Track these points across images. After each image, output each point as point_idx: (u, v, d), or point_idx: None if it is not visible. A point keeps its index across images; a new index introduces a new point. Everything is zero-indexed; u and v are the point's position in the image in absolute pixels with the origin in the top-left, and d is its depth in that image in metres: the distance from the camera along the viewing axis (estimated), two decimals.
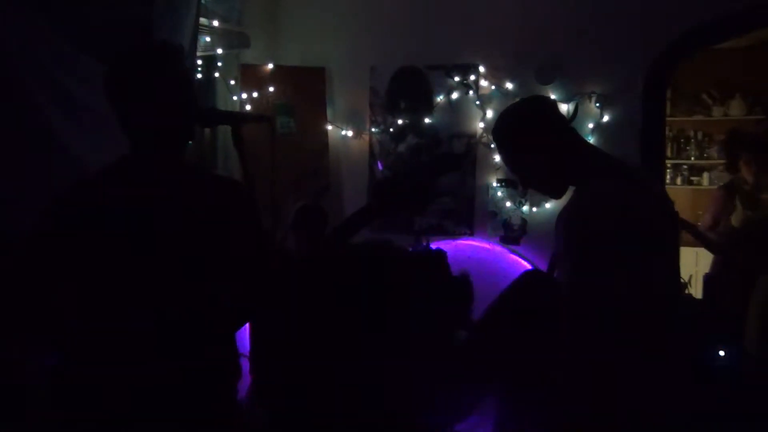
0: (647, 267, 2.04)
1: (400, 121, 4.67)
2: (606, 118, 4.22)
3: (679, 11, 4.06)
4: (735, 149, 4.52)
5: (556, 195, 2.32)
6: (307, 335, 2.10)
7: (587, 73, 4.25)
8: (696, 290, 5.05)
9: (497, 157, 4.41)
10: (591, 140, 4.00)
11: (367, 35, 4.70)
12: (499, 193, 4.47)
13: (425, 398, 2.04)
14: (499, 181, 4.44)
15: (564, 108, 3.91)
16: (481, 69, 4.47)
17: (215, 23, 4.14)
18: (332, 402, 2.00)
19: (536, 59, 4.30)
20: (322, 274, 2.18)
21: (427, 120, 4.61)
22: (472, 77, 4.49)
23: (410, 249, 2.29)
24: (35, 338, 2.02)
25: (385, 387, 1.96)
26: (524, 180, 2.34)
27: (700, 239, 4.44)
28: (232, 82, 4.52)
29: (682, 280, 3.56)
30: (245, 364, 2.83)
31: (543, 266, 2.55)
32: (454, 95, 4.55)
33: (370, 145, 4.75)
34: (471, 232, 4.55)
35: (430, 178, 2.19)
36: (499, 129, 2.31)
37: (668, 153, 6.74)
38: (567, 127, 2.26)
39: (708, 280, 4.32)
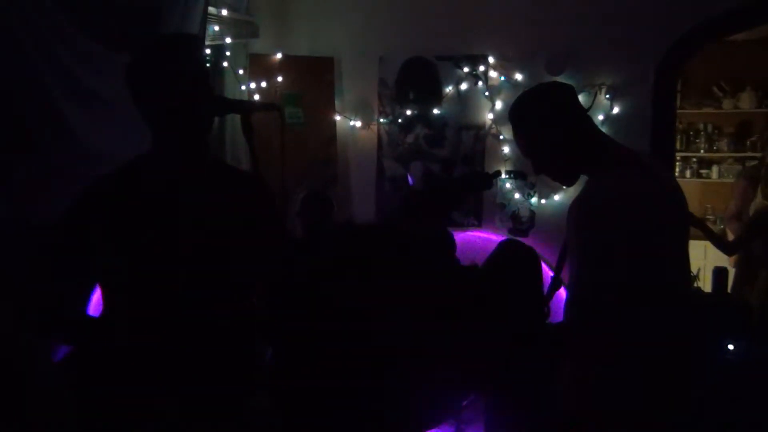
0: (656, 258, 2.03)
1: (408, 112, 4.65)
2: (616, 110, 4.20)
3: (690, 3, 4.04)
4: None
5: (567, 182, 2.32)
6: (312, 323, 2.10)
7: (597, 64, 4.22)
8: (705, 283, 5.03)
9: (506, 149, 4.40)
10: None
11: (376, 25, 4.68)
12: (508, 185, 4.46)
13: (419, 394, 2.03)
14: (507, 172, 4.43)
15: None
16: (491, 60, 4.45)
17: (224, 12, 4.12)
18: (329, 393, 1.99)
19: (546, 50, 4.28)
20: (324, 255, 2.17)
21: (435, 111, 4.59)
22: (482, 68, 4.47)
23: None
24: (47, 328, 2.02)
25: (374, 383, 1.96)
26: (537, 165, 2.33)
27: (712, 238, 4.44)
28: (241, 72, 4.51)
29: (691, 273, 3.56)
30: None
31: (552, 258, 2.54)
32: (463, 86, 4.53)
33: (379, 136, 4.74)
34: (479, 224, 4.54)
35: (459, 197, 2.19)
36: (518, 111, 2.30)
37: (678, 146, 6.71)
38: (584, 115, 2.25)
39: (718, 272, 4.30)
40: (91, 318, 2.04)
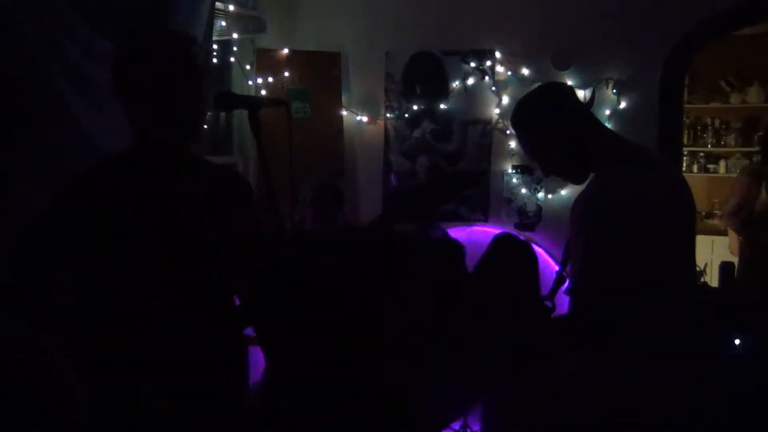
0: (661, 254, 2.03)
1: (415, 107, 4.66)
2: (623, 105, 4.19)
3: None
4: None
5: (577, 181, 2.32)
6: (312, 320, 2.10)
7: (604, 59, 4.22)
8: (711, 278, 5.03)
9: (513, 144, 4.40)
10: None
11: (382, 20, 4.68)
12: (515, 180, 4.46)
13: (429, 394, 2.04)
14: (514, 167, 4.43)
15: (581, 94, 3.89)
16: (498, 55, 4.45)
17: (231, 8, 4.13)
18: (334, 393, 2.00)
19: (553, 45, 4.27)
20: (331, 257, 2.17)
21: (442, 106, 4.59)
22: (488, 63, 4.46)
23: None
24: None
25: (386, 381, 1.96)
26: (545, 167, 2.33)
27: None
28: (248, 67, 4.52)
29: (697, 268, 3.55)
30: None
31: (558, 253, 2.54)
32: (470, 81, 4.53)
33: (385, 131, 4.74)
34: (486, 219, 4.55)
35: (446, 196, 2.20)
36: (519, 116, 2.30)
37: (685, 140, 6.71)
38: (586, 112, 2.24)
39: (725, 267, 4.30)
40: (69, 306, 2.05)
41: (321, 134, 4.67)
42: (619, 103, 4.19)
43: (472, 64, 4.49)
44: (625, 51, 4.18)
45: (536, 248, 4.35)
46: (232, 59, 4.34)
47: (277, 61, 4.61)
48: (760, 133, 6.93)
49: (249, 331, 2.17)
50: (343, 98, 4.77)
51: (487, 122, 4.52)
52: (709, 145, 7.20)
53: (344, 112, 4.76)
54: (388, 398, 1.96)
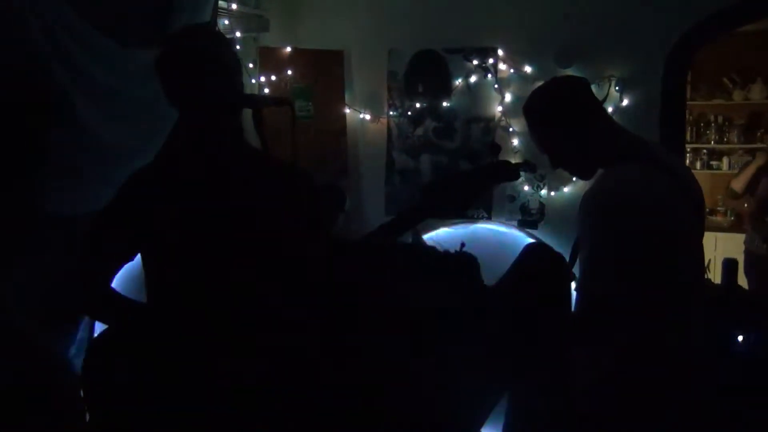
0: (671, 253, 2.03)
1: (418, 105, 4.66)
2: (625, 102, 4.19)
3: None
4: None
5: (585, 176, 2.32)
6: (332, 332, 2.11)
7: (607, 56, 4.21)
8: (715, 274, 5.03)
9: (516, 141, 4.41)
10: None
11: (385, 18, 4.68)
12: None
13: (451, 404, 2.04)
14: (516, 165, 4.43)
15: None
16: (500, 52, 4.45)
17: (234, 6, 4.14)
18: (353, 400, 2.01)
19: (556, 43, 4.27)
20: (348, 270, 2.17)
21: (445, 104, 4.60)
22: (491, 61, 4.46)
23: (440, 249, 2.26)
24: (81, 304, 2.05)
25: (406, 392, 1.97)
26: (554, 160, 2.33)
27: None
28: (251, 65, 4.53)
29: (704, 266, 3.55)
30: None
31: (561, 250, 2.53)
32: (473, 79, 4.53)
33: (388, 129, 4.75)
34: (489, 216, 4.55)
35: (485, 186, 2.18)
36: (532, 106, 2.29)
37: (688, 137, 6.69)
38: (599, 108, 2.24)
39: (728, 264, 4.30)
40: (128, 299, 2.06)
41: (324, 132, 4.68)
42: (621, 101, 4.19)
43: (475, 62, 4.49)
44: (627, 48, 4.18)
45: None
46: None
47: (280, 59, 4.62)
48: (764, 130, 6.96)
49: None
50: (346, 96, 4.77)
51: (490, 120, 4.52)
52: (712, 142, 7.20)
53: (347, 110, 4.76)
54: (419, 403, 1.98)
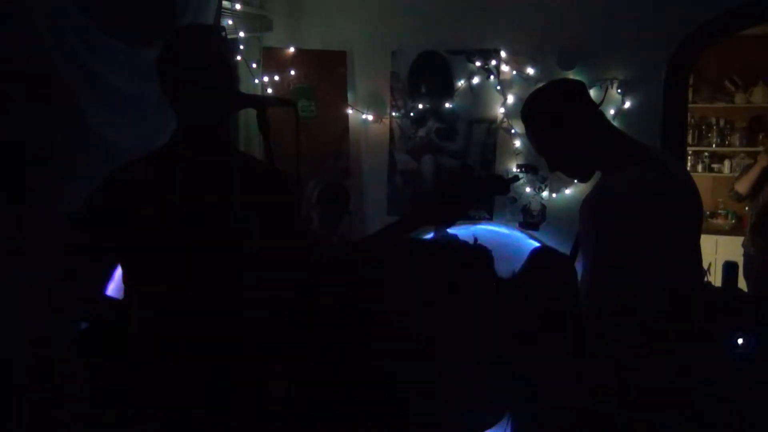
0: (669, 256, 2.04)
1: (420, 106, 4.67)
2: (627, 105, 4.20)
3: None
4: None
5: (582, 179, 2.33)
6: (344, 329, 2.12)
7: (609, 58, 4.23)
8: (716, 277, 5.04)
9: (518, 143, 4.42)
10: None
11: (388, 19, 4.69)
12: (519, 179, 4.46)
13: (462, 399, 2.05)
14: (518, 166, 4.44)
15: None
16: (503, 54, 4.46)
17: (237, 6, 4.15)
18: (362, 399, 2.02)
19: (558, 45, 4.28)
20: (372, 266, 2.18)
21: (447, 105, 4.61)
22: (494, 62, 4.47)
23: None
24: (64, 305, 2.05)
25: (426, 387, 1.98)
26: (551, 163, 2.33)
27: None
28: (254, 65, 4.54)
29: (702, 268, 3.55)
30: None
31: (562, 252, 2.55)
32: (475, 80, 4.54)
33: (391, 129, 4.76)
34: (490, 217, 4.56)
35: (475, 198, 2.20)
36: (528, 109, 2.30)
37: (689, 140, 6.71)
38: (596, 111, 2.25)
39: (729, 267, 4.31)
40: (110, 299, 2.07)
41: (327, 132, 4.69)
42: (623, 103, 4.20)
43: (478, 64, 4.50)
44: (629, 51, 4.19)
45: None
46: (239, 58, 4.36)
47: (284, 59, 4.63)
48: (744, 125, 6.98)
49: None
50: (349, 97, 4.78)
51: (492, 121, 4.54)
52: (714, 145, 7.20)
53: (350, 111, 4.77)
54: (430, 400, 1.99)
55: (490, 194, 2.32)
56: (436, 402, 2.00)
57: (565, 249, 2.57)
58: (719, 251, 6.25)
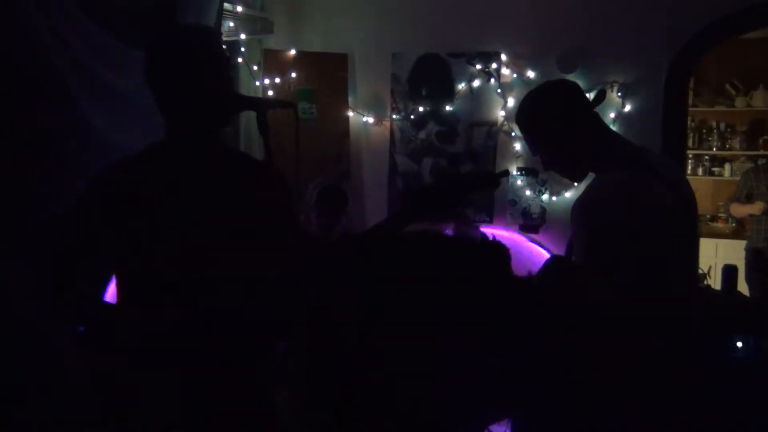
0: (659, 258, 2.03)
1: (421, 109, 4.68)
2: (628, 108, 4.21)
3: (703, 1, 4.04)
4: None
5: (575, 178, 2.34)
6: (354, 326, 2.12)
7: (610, 62, 4.24)
8: (716, 281, 5.04)
9: (518, 146, 4.43)
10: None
11: (389, 22, 4.71)
12: (519, 182, 4.48)
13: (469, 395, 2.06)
14: (519, 169, 4.45)
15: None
16: (503, 57, 4.47)
17: (239, 9, 4.16)
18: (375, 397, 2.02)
19: (558, 48, 4.29)
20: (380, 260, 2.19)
21: (448, 108, 4.62)
22: (494, 65, 4.49)
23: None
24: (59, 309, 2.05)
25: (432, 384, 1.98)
26: (545, 162, 2.34)
27: None
28: (255, 68, 4.55)
29: (701, 271, 3.56)
30: None
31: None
32: (476, 83, 4.55)
33: (391, 132, 4.77)
34: (490, 220, 4.57)
35: (465, 193, 2.21)
36: (523, 109, 2.31)
37: (690, 144, 6.72)
38: (590, 112, 2.26)
39: (728, 270, 4.31)
40: (106, 303, 2.07)
41: (327, 134, 4.70)
42: (624, 106, 4.21)
43: (478, 67, 4.52)
44: (630, 54, 4.20)
45: (540, 249, 4.38)
46: (240, 60, 4.37)
47: (285, 62, 4.64)
48: (766, 136, 6.97)
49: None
50: (350, 99, 4.79)
51: (493, 124, 4.55)
52: (714, 149, 7.20)
53: (350, 113, 4.78)
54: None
55: (479, 188, 2.31)
56: (445, 395, 2.00)
57: (564, 251, 2.57)
58: (719, 255, 6.26)
